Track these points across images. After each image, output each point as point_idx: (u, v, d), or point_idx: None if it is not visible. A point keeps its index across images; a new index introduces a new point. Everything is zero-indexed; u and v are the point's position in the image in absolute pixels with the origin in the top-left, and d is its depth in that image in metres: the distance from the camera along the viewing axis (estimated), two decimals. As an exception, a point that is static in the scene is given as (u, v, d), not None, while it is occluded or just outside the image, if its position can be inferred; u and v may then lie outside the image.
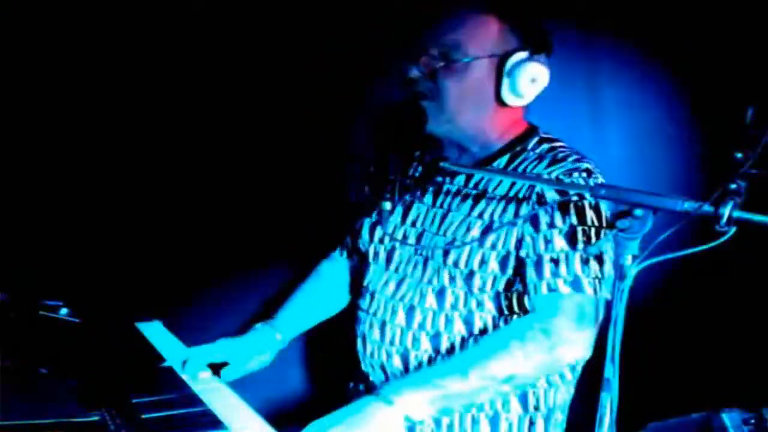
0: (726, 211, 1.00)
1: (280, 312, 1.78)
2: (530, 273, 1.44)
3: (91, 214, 2.06)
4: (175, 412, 1.34)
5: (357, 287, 1.74)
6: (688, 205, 1.05)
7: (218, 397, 1.46)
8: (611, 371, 1.07)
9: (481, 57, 1.49)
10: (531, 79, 1.48)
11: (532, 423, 1.54)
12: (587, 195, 1.27)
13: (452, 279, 1.52)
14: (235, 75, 2.09)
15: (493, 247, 1.48)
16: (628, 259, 1.07)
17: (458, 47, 1.49)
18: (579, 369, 1.59)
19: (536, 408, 1.54)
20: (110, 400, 1.33)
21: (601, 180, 1.48)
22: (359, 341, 1.65)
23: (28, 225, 1.98)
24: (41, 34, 1.96)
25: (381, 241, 1.66)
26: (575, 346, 1.41)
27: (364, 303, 1.66)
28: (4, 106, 1.94)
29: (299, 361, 2.29)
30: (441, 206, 1.59)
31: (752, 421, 1.31)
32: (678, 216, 1.05)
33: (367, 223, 1.72)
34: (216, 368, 1.65)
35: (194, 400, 1.42)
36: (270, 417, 1.38)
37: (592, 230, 1.43)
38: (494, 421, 1.53)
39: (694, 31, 2.01)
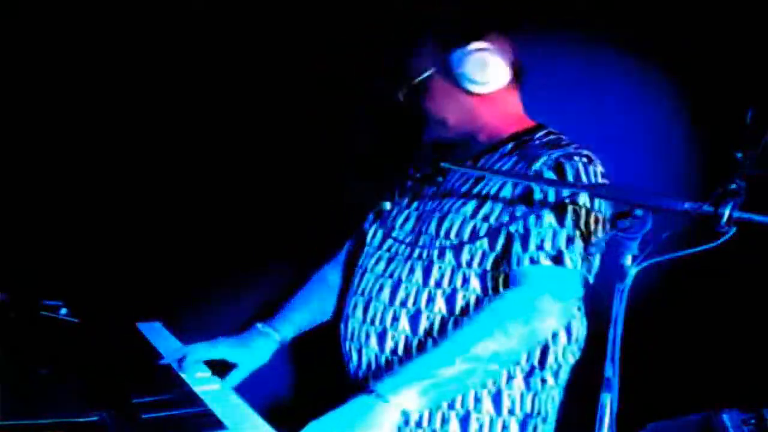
0: (726, 211, 1.00)
1: (281, 313, 1.79)
2: (516, 247, 1.47)
3: (91, 215, 2.06)
4: (175, 412, 1.34)
5: (350, 272, 1.75)
6: (688, 205, 1.05)
7: (218, 397, 1.46)
8: (611, 371, 1.07)
9: (428, 69, 1.62)
10: (479, 65, 1.57)
11: (505, 427, 1.53)
12: (583, 178, 1.41)
13: (442, 252, 1.54)
14: (234, 75, 2.09)
15: (485, 219, 1.51)
16: (628, 259, 1.07)
17: (413, 71, 1.65)
18: (563, 375, 1.58)
19: (511, 412, 1.53)
20: (110, 400, 1.33)
21: (600, 170, 1.51)
22: (342, 324, 1.66)
23: (28, 225, 1.99)
24: (41, 34, 1.96)
25: (382, 224, 1.68)
26: (552, 317, 1.43)
27: (353, 284, 1.67)
28: (4, 106, 1.94)
29: (299, 361, 2.29)
30: (442, 195, 1.62)
31: (752, 421, 1.31)
32: (678, 216, 1.05)
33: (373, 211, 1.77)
34: (215, 370, 1.64)
35: (194, 400, 1.42)
36: (270, 417, 1.38)
37: (583, 210, 1.45)
38: (464, 421, 1.52)
39: (694, 31, 2.02)
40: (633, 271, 1.06)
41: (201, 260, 2.13)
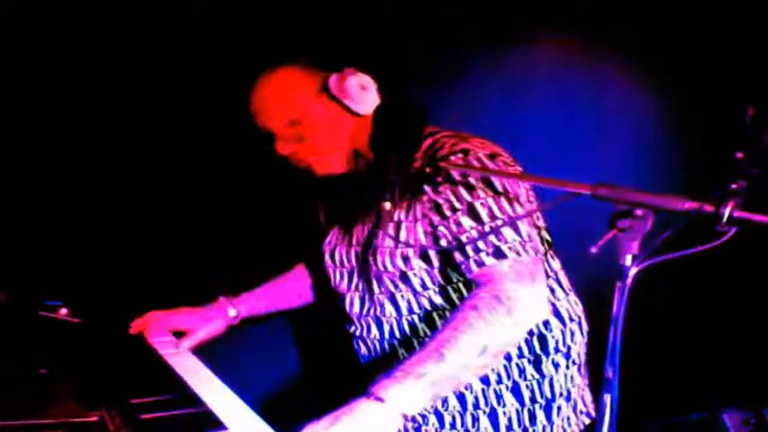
0: (726, 211, 1.00)
1: (245, 294, 1.92)
2: (458, 257, 1.48)
3: (91, 215, 2.06)
4: (175, 412, 1.34)
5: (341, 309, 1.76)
6: (688, 205, 1.05)
7: (218, 397, 1.46)
8: (611, 371, 1.07)
9: (312, 106, 1.60)
10: (358, 88, 1.58)
11: (532, 416, 1.55)
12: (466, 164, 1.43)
13: (395, 284, 1.57)
14: (232, 75, 2.09)
15: (407, 244, 1.52)
16: (628, 259, 1.07)
17: (295, 118, 1.60)
18: (575, 354, 1.59)
19: (533, 400, 1.55)
20: (110, 400, 1.33)
21: (483, 153, 1.49)
22: (363, 365, 1.70)
23: (28, 225, 1.99)
24: (41, 34, 1.96)
25: (342, 264, 1.68)
26: (527, 303, 1.42)
27: (349, 327, 1.72)
28: (4, 106, 1.94)
29: (299, 362, 2.29)
30: (374, 227, 1.61)
31: (752, 421, 1.31)
32: (679, 216, 1.05)
33: (327, 247, 1.75)
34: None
35: (194, 400, 1.42)
36: (269, 417, 1.38)
37: (489, 200, 1.46)
38: (493, 417, 1.54)
39: (693, 31, 2.02)
40: (633, 271, 1.06)
41: (201, 261, 2.13)
